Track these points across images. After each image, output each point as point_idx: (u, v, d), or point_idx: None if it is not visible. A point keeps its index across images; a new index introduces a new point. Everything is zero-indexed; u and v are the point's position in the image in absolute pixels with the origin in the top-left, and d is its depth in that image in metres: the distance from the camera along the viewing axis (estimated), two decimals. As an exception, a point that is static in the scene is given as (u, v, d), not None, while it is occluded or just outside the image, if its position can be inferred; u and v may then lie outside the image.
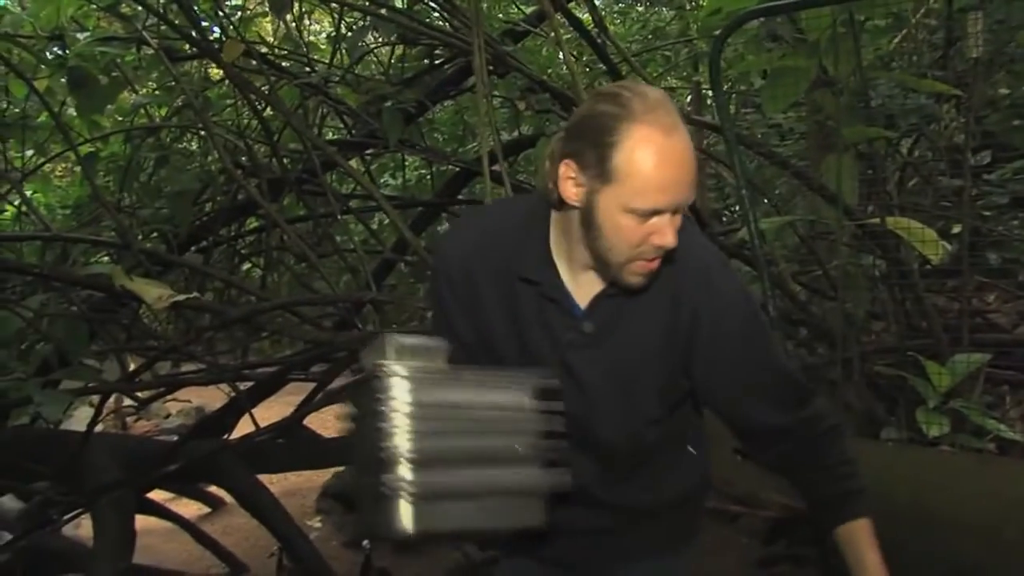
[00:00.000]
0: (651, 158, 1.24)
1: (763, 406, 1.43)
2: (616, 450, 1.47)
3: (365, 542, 4.59)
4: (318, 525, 5.35)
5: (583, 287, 1.40)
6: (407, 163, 4.94)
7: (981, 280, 4.09)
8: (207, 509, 5.60)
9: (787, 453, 1.46)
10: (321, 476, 5.69)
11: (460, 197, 4.40)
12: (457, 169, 4.15)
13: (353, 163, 3.99)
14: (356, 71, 4.04)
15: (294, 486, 5.85)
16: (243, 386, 3.79)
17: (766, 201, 4.14)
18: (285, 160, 3.74)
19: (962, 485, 2.45)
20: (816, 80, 2.80)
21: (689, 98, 7.51)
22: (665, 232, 1.28)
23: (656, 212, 1.27)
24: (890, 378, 2.81)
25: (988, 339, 3.49)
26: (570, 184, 1.30)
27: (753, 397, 1.44)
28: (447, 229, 1.66)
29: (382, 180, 5.04)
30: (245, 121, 4.07)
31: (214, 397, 5.89)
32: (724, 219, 4.90)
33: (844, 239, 2.76)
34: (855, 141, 2.83)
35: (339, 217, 3.41)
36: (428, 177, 4.89)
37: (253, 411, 3.16)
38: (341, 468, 5.41)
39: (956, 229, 3.39)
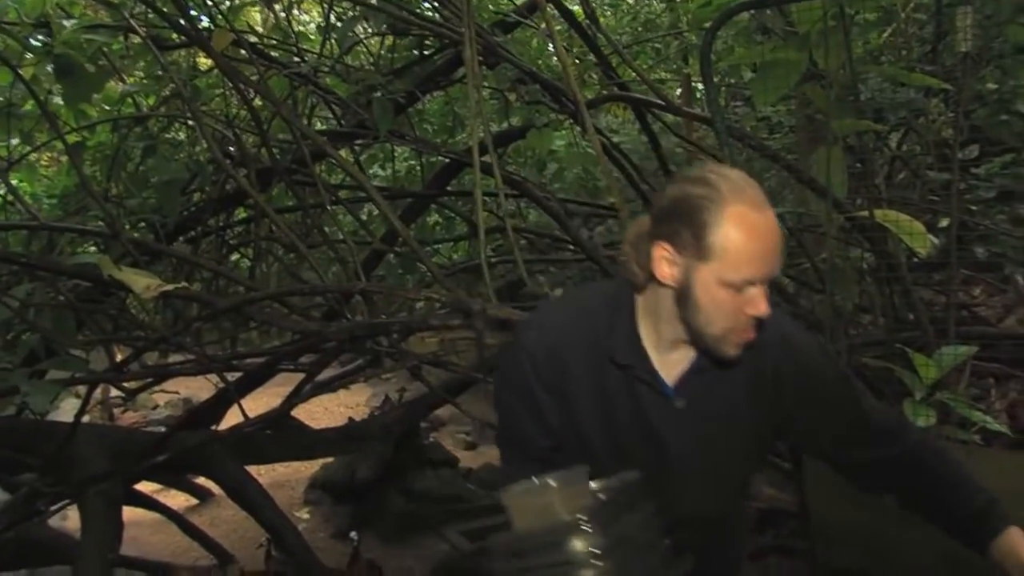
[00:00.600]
0: (745, 232, 1.33)
1: (874, 439, 1.55)
2: (702, 521, 1.57)
3: (352, 533, 4.62)
4: (306, 516, 5.38)
5: (669, 365, 1.48)
6: (397, 154, 4.93)
7: (968, 274, 4.13)
8: (195, 500, 5.62)
9: (913, 482, 1.56)
10: (309, 467, 5.71)
11: (450, 188, 4.40)
12: (447, 160, 4.15)
13: (343, 153, 3.98)
14: (346, 61, 4.03)
15: (283, 477, 5.87)
16: (231, 377, 3.79)
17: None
18: (274, 150, 3.72)
19: None
20: (806, 73, 2.80)
21: (679, 90, 7.54)
22: (759, 302, 1.36)
23: (750, 283, 1.35)
24: (877, 370, 2.82)
25: (974, 332, 3.52)
26: (665, 264, 1.39)
27: (863, 432, 1.55)
28: (529, 317, 1.64)
29: (371, 171, 5.02)
30: (234, 111, 4.05)
31: (202, 388, 5.91)
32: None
33: (832, 232, 2.76)
34: (844, 134, 2.84)
35: (328, 207, 3.40)
36: (418, 168, 4.88)
37: (242, 402, 3.16)
38: (330, 459, 5.44)
39: (944, 223, 3.41)
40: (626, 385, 1.48)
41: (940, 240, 3.06)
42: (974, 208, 3.73)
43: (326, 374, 4.57)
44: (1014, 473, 2.38)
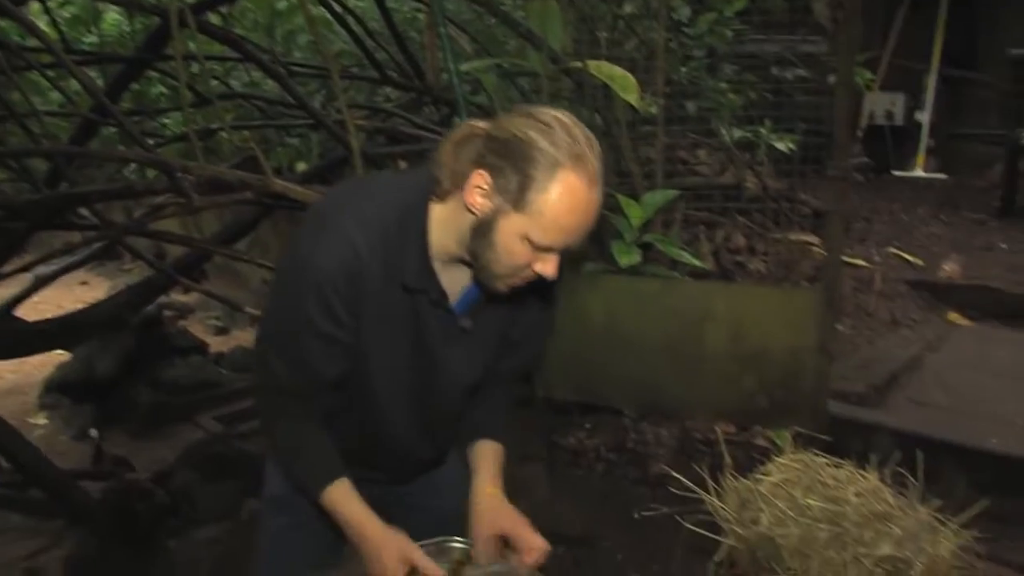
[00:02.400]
0: (567, 204, 1.31)
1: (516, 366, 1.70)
2: (449, 416, 1.66)
3: (92, 431, 4.37)
4: (43, 422, 4.99)
5: (451, 282, 1.48)
6: (103, 13, 4.42)
7: (692, 137, 4.47)
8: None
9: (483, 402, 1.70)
10: (41, 371, 5.27)
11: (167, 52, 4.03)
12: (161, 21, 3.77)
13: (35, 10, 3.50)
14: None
15: (11, 384, 5.39)
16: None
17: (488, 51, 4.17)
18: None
19: (649, 306, 2.73)
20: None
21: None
22: (550, 265, 1.38)
23: (551, 248, 1.36)
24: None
25: (687, 182, 3.86)
26: (478, 193, 1.35)
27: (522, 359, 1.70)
28: (322, 233, 1.43)
29: (74, 34, 4.48)
30: None
31: None
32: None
33: (547, 85, 2.86)
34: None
35: (11, 73, 3.00)
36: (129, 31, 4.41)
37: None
38: (65, 359, 5.04)
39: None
40: (411, 306, 1.46)
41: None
42: (684, 69, 3.98)
43: (50, 268, 4.18)
44: (699, 298, 2.71)
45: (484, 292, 1.48)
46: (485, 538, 1.56)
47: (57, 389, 4.97)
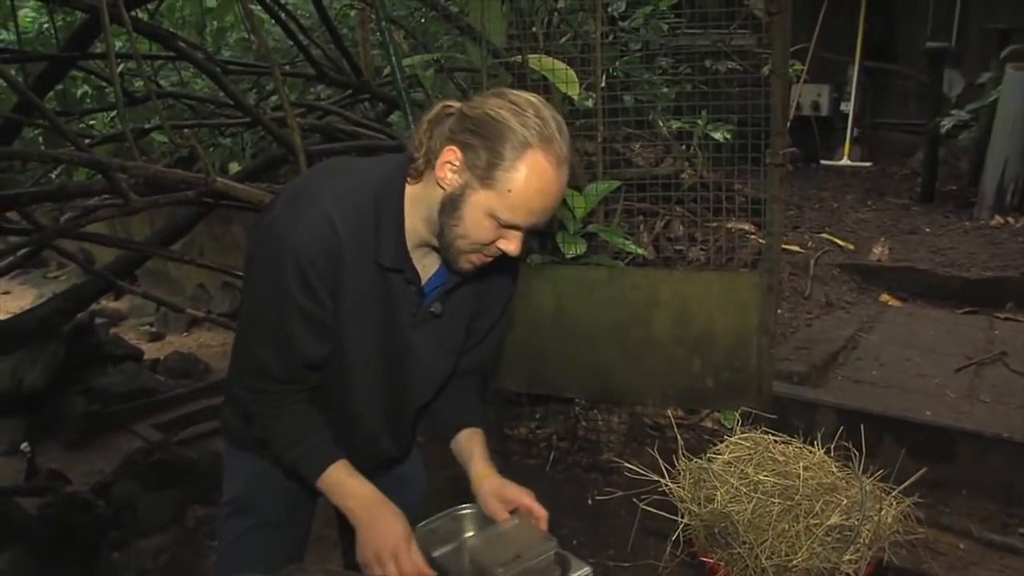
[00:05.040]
0: (534, 184, 1.33)
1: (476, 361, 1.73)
2: (418, 406, 1.69)
3: (24, 445, 4.22)
4: (-30, 439, 4.80)
5: (421, 265, 1.50)
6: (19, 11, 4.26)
7: (627, 129, 4.54)
8: None
9: (454, 395, 1.75)
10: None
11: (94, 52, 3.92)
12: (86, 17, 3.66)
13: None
14: None
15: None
16: None
17: (423, 47, 4.17)
18: None
19: (596, 295, 2.78)
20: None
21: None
22: (514, 242, 1.40)
23: (516, 227, 1.38)
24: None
25: (626, 173, 3.92)
26: (448, 169, 1.37)
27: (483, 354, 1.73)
28: (299, 211, 1.41)
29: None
30: None
31: None
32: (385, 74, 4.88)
33: (485, 79, 2.87)
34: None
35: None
36: (50, 29, 4.27)
37: None
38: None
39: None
40: (385, 287, 1.47)
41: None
42: (619, 62, 4.05)
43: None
44: (645, 286, 2.76)
45: (449, 272, 1.50)
46: (496, 515, 1.63)
47: (-16, 403, 4.78)
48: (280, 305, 1.43)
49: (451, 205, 1.39)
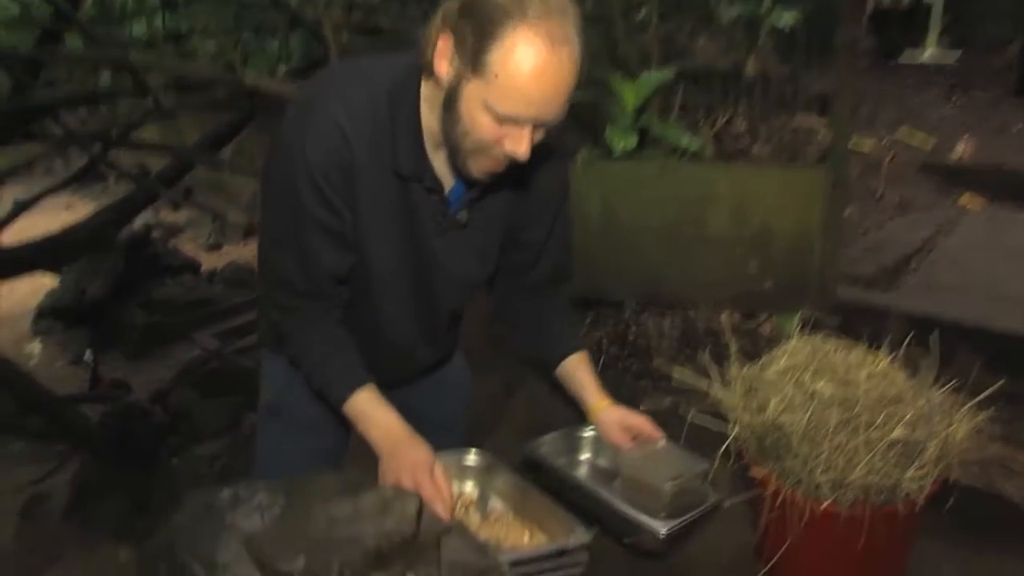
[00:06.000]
0: (526, 67, 1.19)
1: (549, 270, 1.64)
2: (451, 312, 1.63)
3: (87, 355, 4.33)
4: (38, 349, 4.95)
5: (446, 170, 1.39)
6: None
7: (689, 23, 4.23)
8: None
9: (534, 319, 1.68)
10: (32, 299, 5.20)
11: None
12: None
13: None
14: None
15: (3, 314, 5.31)
16: None
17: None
18: None
19: (647, 192, 2.62)
20: None
21: None
22: (519, 142, 1.26)
23: (515, 120, 1.24)
24: (587, 104, 2.85)
25: (684, 65, 3.65)
26: (444, 60, 1.26)
27: (552, 260, 1.63)
28: (308, 122, 1.34)
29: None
30: None
31: None
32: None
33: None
34: None
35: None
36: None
37: None
38: (53, 285, 4.97)
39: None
40: (405, 196, 1.39)
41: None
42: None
43: (31, 193, 4.05)
44: (699, 181, 2.58)
45: (464, 180, 1.39)
46: (621, 444, 1.62)
47: (49, 315, 4.91)
48: (297, 218, 1.38)
49: (449, 101, 1.27)
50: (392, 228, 1.42)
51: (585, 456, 1.83)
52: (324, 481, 1.30)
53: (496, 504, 1.58)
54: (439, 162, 1.39)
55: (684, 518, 1.65)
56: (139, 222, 5.62)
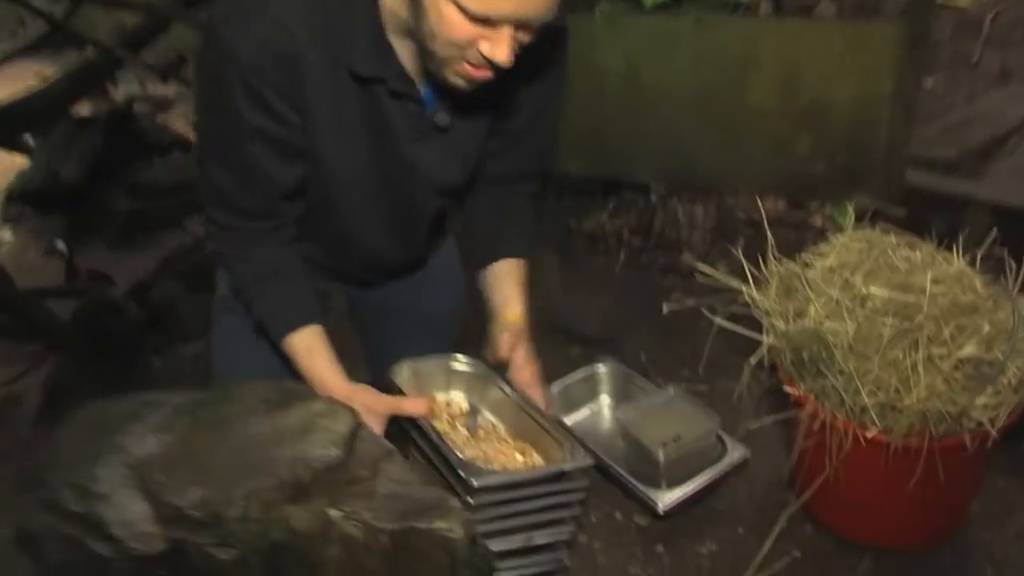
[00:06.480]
0: None
1: (531, 153, 1.58)
2: (430, 216, 1.57)
3: (59, 243, 4.27)
4: (8, 237, 4.90)
5: (418, 63, 1.30)
6: None
7: None
8: None
9: (493, 208, 1.62)
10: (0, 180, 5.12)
11: None
12: None
13: None
14: None
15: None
16: None
17: None
18: None
19: (679, 53, 2.48)
20: None
21: None
22: (498, 44, 1.17)
23: (488, 20, 1.14)
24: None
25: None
26: None
27: (533, 138, 1.56)
28: (240, 11, 1.24)
29: None
30: None
31: None
32: None
33: None
34: None
35: None
36: None
37: None
38: (24, 165, 4.88)
39: None
40: (369, 100, 1.32)
41: None
42: None
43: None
44: (741, 40, 2.39)
45: (443, 88, 1.31)
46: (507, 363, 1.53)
47: (20, 199, 4.83)
48: (232, 126, 1.31)
49: None
50: (357, 135, 1.36)
51: (605, 397, 1.92)
52: (249, 393, 1.19)
53: (487, 419, 1.50)
54: (408, 54, 1.30)
55: (687, 489, 1.69)
56: (122, 94, 5.51)
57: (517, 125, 1.51)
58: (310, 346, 1.41)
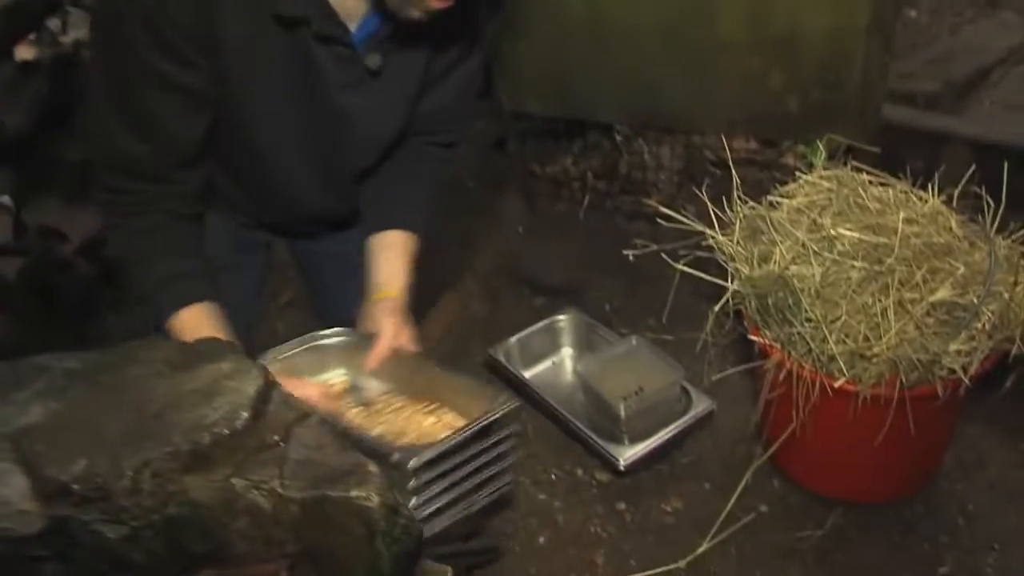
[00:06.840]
0: None
1: (452, 115, 1.55)
2: (365, 169, 1.52)
3: (4, 197, 4.14)
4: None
5: (349, 10, 1.26)
6: None
7: None
8: None
9: (400, 175, 1.57)
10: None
11: None
12: None
13: None
14: None
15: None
16: None
17: None
18: None
19: None
20: None
21: None
22: None
23: None
24: None
25: None
26: None
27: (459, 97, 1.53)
28: None
29: None
30: None
31: None
32: None
33: None
34: None
35: None
36: None
37: None
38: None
39: None
40: (292, 41, 1.25)
41: None
42: None
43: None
44: None
45: (394, 22, 1.26)
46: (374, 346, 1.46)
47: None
48: (132, 72, 1.21)
49: None
50: (281, 83, 1.28)
51: (566, 349, 1.98)
52: (152, 354, 1.09)
53: (373, 386, 1.41)
54: (341, 7, 1.24)
55: (650, 444, 1.69)
56: (71, 37, 5.32)
57: (446, 62, 1.45)
58: (198, 326, 1.32)
